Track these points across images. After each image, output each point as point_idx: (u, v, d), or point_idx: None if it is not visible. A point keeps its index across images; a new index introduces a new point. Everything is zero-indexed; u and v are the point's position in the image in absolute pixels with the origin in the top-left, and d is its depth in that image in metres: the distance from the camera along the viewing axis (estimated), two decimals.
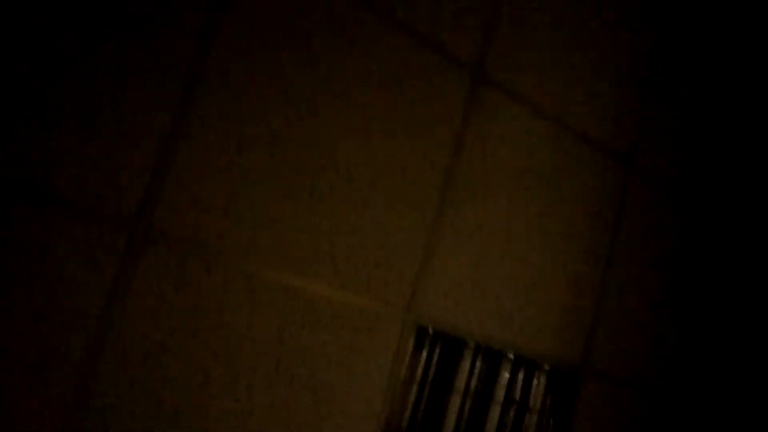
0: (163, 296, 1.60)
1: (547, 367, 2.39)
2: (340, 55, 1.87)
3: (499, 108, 2.20)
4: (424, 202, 2.04)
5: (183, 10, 1.61)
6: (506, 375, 2.30)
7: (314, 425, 1.83)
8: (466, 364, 2.22)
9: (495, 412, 2.29)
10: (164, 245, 1.60)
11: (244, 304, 1.72)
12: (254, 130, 1.73)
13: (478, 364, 2.24)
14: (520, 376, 2.33)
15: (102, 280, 1.52)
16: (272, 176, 1.76)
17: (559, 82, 2.34)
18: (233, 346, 1.70)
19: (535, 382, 2.37)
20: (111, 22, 1.53)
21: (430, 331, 2.12)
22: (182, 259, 1.62)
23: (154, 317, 1.59)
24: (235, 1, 1.69)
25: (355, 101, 1.90)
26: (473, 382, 2.23)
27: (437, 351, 2.15)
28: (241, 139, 1.71)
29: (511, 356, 2.30)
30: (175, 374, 1.62)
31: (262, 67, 1.73)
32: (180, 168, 1.62)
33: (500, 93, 2.20)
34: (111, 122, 1.53)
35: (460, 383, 2.21)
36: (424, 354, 2.12)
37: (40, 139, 1.45)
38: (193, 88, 1.63)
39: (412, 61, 2.00)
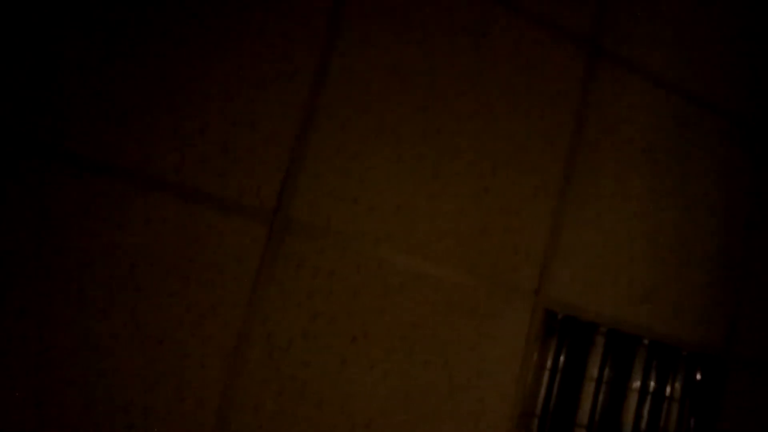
0: (303, 284, 1.66)
1: (685, 353, 2.25)
2: (457, 40, 1.85)
3: (618, 81, 2.10)
4: (548, 183, 1.99)
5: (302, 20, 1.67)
6: (642, 361, 2.19)
7: (449, 410, 1.83)
8: (598, 350, 2.13)
9: (631, 400, 2.18)
10: (301, 234, 1.66)
11: (377, 289, 1.75)
12: (378, 121, 1.76)
13: (612, 349, 2.15)
14: (657, 363, 2.22)
15: (247, 270, 1.60)
16: (397, 163, 1.78)
17: (677, 49, 2.20)
18: (368, 331, 1.74)
19: (673, 369, 2.24)
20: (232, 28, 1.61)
21: (560, 315, 2.06)
22: (318, 246, 1.67)
23: (296, 304, 1.65)
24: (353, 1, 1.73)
25: (474, 85, 1.88)
26: (607, 369, 2.14)
27: (568, 336, 2.08)
28: (366, 130, 1.74)
29: (646, 342, 2.19)
30: (316, 359, 1.68)
31: (383, 58, 1.76)
32: (312, 160, 1.67)
33: (618, 65, 2.10)
34: (248, 122, 1.61)
35: (593, 370, 2.13)
36: (555, 339, 2.07)
37: (184, 140, 1.55)
38: (319, 85, 1.68)
39: (528, 42, 1.95)
